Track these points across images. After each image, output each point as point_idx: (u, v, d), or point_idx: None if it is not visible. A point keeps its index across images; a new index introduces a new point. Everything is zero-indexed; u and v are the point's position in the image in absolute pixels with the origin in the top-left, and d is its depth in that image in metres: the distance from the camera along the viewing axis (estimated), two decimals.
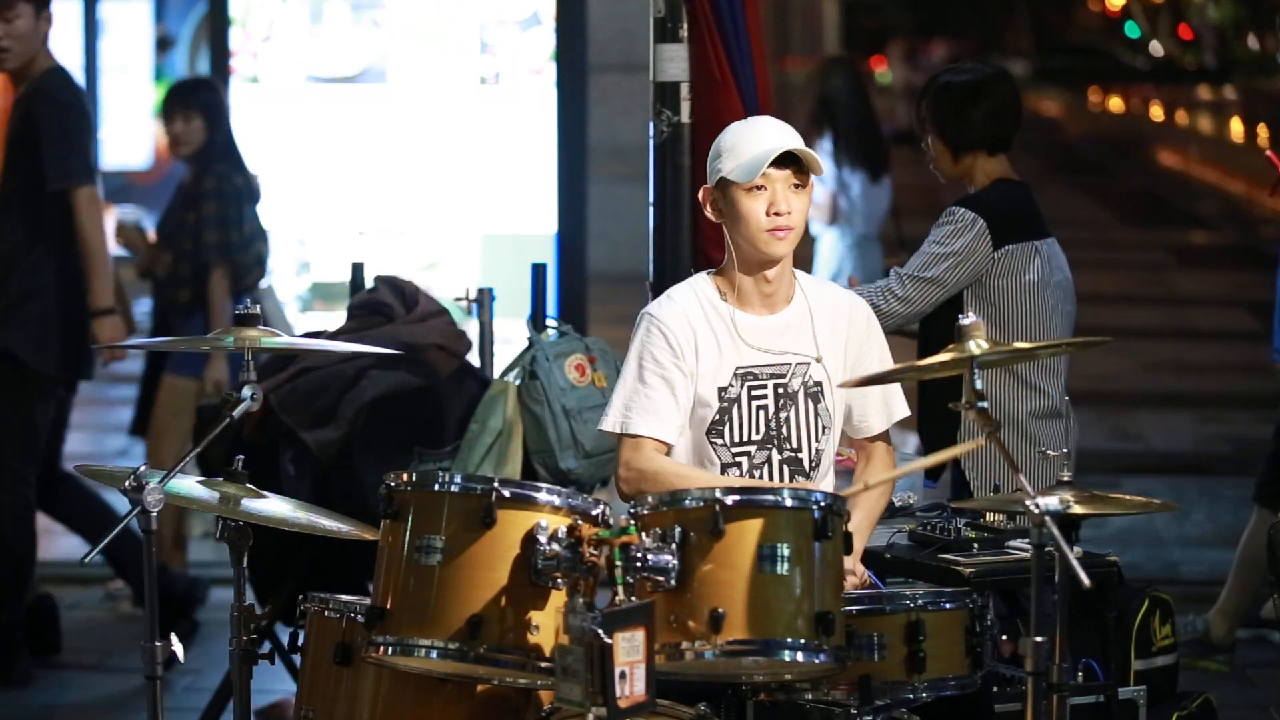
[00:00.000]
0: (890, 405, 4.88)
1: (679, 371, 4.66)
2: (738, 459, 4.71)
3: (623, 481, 4.66)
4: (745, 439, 4.70)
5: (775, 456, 4.72)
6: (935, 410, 5.24)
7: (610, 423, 4.70)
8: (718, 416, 4.69)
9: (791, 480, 4.71)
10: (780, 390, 4.71)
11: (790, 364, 4.72)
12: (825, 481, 4.77)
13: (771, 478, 4.71)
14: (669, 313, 4.71)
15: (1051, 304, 5.72)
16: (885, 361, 4.83)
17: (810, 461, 4.73)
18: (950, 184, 6.05)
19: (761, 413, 4.69)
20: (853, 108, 9.85)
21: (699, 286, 4.77)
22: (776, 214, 4.62)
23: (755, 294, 4.72)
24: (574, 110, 9.15)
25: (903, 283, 5.65)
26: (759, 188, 4.62)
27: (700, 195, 4.76)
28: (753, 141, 4.65)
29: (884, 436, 4.92)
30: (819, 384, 4.73)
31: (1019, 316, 5.67)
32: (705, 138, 6.00)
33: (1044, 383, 5.68)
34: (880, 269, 9.00)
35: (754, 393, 4.70)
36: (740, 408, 4.69)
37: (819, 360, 4.73)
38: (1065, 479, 4.45)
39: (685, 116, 6.06)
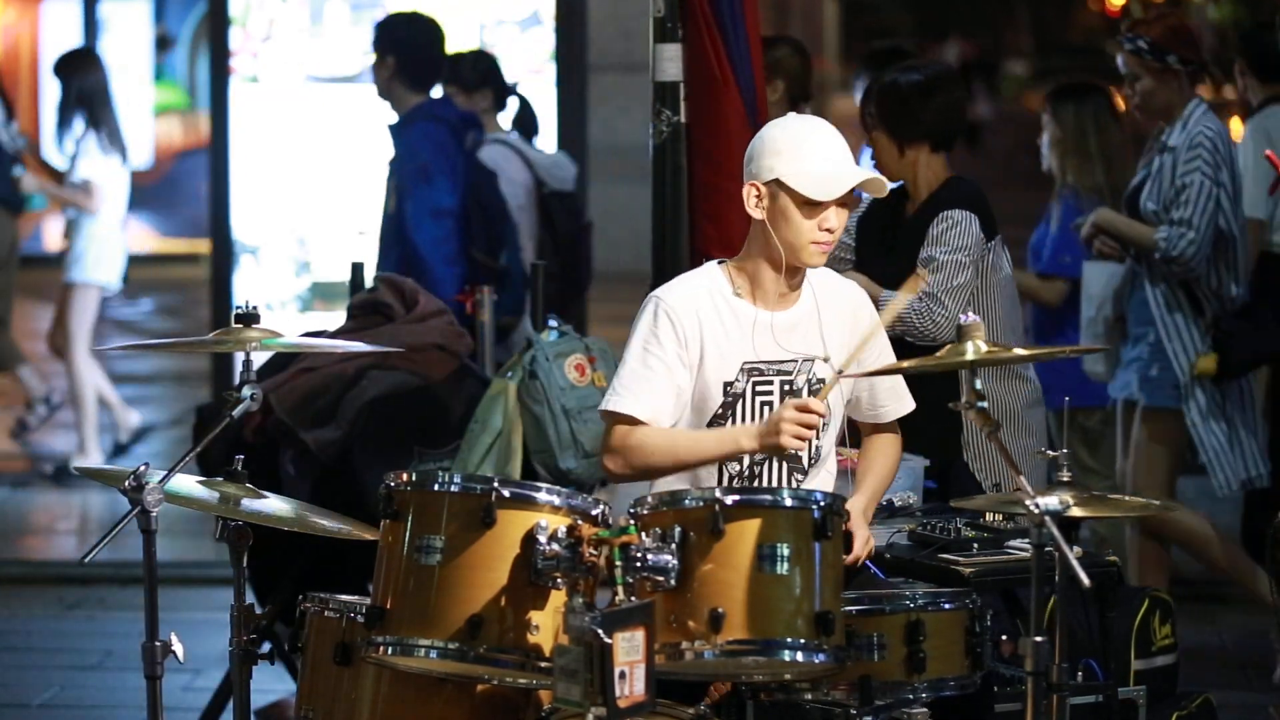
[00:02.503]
0: (899, 398, 4.87)
1: (680, 361, 4.63)
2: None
3: (608, 459, 4.62)
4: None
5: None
6: (935, 411, 5.23)
7: (605, 402, 4.68)
8: (720, 410, 4.67)
9: (790, 476, 4.70)
10: (786, 387, 4.69)
11: (797, 360, 4.70)
12: (824, 478, 4.76)
13: (770, 473, 4.70)
14: (678, 299, 4.67)
15: (1013, 296, 5.80)
16: (887, 352, 4.82)
17: (810, 458, 4.72)
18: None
19: (766, 409, 4.67)
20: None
21: (711, 276, 4.73)
22: (827, 230, 4.61)
23: (772, 290, 4.68)
24: (574, 110, 9.16)
25: (941, 301, 5.58)
26: (817, 202, 4.59)
27: (745, 191, 4.66)
28: (821, 153, 4.58)
29: (894, 428, 4.90)
30: (822, 380, 4.71)
31: (998, 310, 5.67)
32: (702, 137, 6.00)
33: (1028, 370, 5.73)
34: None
35: (759, 388, 4.68)
36: (744, 403, 4.67)
37: (826, 360, 4.71)
38: (1065, 479, 4.45)
39: (685, 116, 6.06)
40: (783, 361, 4.69)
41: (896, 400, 4.86)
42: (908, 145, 5.78)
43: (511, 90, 8.02)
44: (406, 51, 7.50)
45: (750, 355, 4.67)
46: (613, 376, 6.04)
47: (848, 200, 4.62)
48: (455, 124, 7.41)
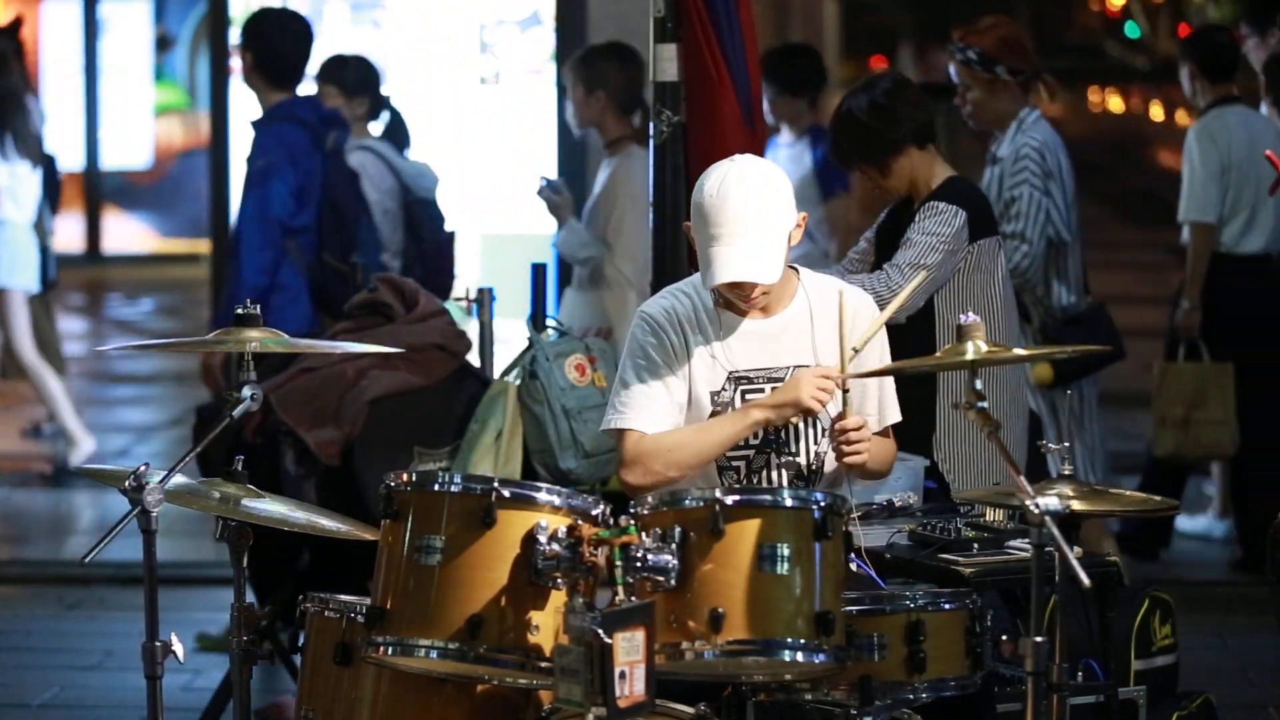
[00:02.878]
0: (884, 408, 4.86)
1: (671, 371, 4.64)
2: (734, 463, 4.70)
3: (626, 472, 4.62)
4: (742, 442, 4.69)
5: (774, 460, 4.71)
6: (906, 412, 5.25)
7: (606, 422, 4.70)
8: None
9: (790, 484, 4.70)
10: (756, 396, 4.69)
11: (789, 367, 4.70)
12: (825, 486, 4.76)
13: (770, 482, 4.70)
14: (661, 312, 4.69)
15: (1009, 298, 5.79)
16: (885, 357, 4.82)
17: (809, 465, 4.72)
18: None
19: None
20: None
21: (696, 288, 4.74)
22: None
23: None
24: None
25: (902, 273, 5.61)
26: None
27: (684, 227, 4.72)
28: (716, 241, 4.54)
29: (884, 433, 4.89)
30: None
31: (988, 311, 5.66)
32: (700, 136, 6.01)
33: (988, 388, 5.69)
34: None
35: (749, 397, 4.68)
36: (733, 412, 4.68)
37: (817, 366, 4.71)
38: (1066, 472, 4.45)
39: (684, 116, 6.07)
40: (773, 369, 4.69)
41: (882, 410, 4.85)
42: (891, 161, 5.78)
43: (386, 103, 8.12)
44: (265, 48, 7.54)
45: (736, 364, 4.68)
46: (612, 377, 6.07)
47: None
48: (315, 125, 7.46)
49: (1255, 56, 8.76)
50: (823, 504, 4.17)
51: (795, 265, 4.77)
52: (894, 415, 4.88)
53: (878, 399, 4.83)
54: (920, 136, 5.79)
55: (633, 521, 4.13)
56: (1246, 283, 8.31)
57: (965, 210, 5.65)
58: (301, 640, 4.50)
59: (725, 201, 4.55)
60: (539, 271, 6.76)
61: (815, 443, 4.72)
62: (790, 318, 4.72)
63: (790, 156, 8.55)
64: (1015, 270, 6.91)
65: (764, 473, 4.70)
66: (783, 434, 4.70)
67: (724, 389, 4.67)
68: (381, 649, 4.16)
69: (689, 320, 4.68)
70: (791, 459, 4.71)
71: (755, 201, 4.56)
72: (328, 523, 4.55)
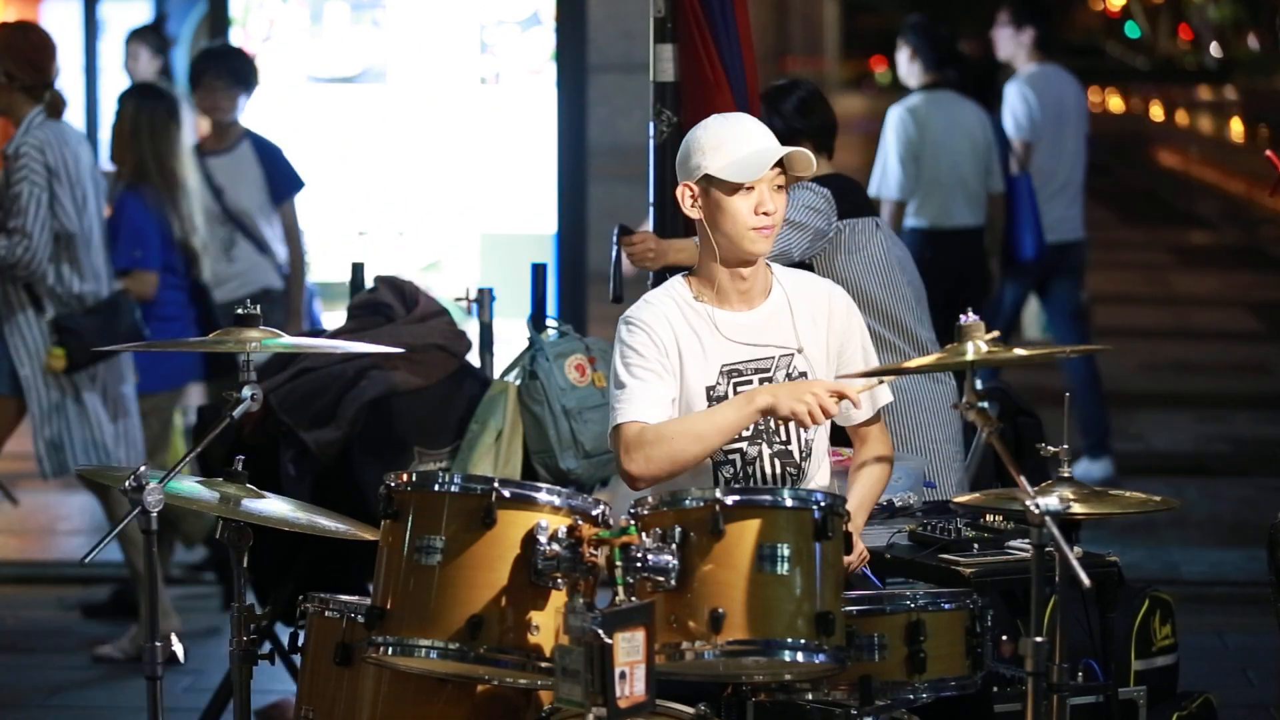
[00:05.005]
0: (875, 393, 4.85)
1: (664, 368, 4.64)
2: (730, 457, 4.70)
3: (628, 461, 4.57)
4: (736, 436, 4.69)
5: (766, 451, 4.71)
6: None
7: (609, 422, 4.69)
8: None
9: (784, 474, 4.70)
10: (766, 384, 4.70)
11: (774, 356, 4.71)
12: (820, 472, 4.75)
13: (764, 472, 4.70)
14: (649, 314, 4.70)
15: (900, 278, 5.84)
16: (868, 348, 4.83)
17: (801, 453, 4.72)
18: None
19: None
20: None
21: (675, 289, 4.75)
22: (764, 213, 4.62)
23: (733, 291, 4.71)
24: (574, 110, 9.16)
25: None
26: (748, 188, 4.62)
27: (678, 192, 4.73)
28: (741, 140, 4.63)
29: (875, 420, 4.89)
30: (803, 374, 4.72)
31: (872, 289, 5.71)
32: None
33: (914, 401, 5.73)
34: None
35: (740, 389, 4.68)
36: None
37: (800, 351, 4.72)
38: (1065, 475, 4.45)
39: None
40: (759, 360, 4.70)
41: (871, 398, 4.84)
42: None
43: None
44: None
45: (727, 357, 4.68)
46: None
47: (782, 183, 4.64)
48: None
49: (1007, 46, 9.88)
50: (823, 504, 4.18)
51: (766, 261, 4.78)
52: (886, 396, 4.88)
53: (865, 394, 4.82)
54: (818, 137, 5.95)
55: (633, 521, 4.13)
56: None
57: (829, 189, 5.77)
58: (301, 640, 4.50)
59: (730, 117, 4.73)
60: (539, 271, 6.76)
61: (806, 430, 4.71)
62: (771, 309, 4.74)
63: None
64: (19, 265, 7.26)
65: (757, 464, 4.70)
66: (773, 423, 4.69)
67: (718, 383, 4.68)
68: (381, 649, 4.16)
69: (678, 321, 4.68)
70: (783, 447, 4.71)
71: (763, 125, 4.73)
72: (328, 523, 4.56)
